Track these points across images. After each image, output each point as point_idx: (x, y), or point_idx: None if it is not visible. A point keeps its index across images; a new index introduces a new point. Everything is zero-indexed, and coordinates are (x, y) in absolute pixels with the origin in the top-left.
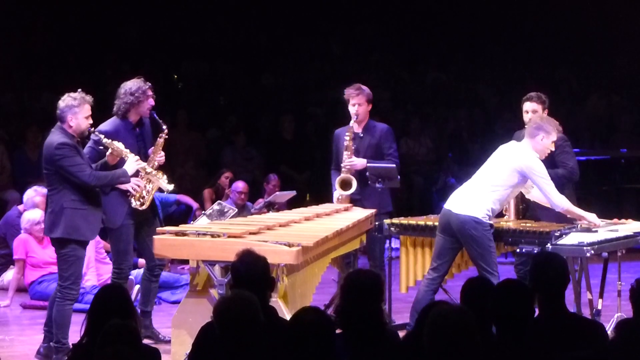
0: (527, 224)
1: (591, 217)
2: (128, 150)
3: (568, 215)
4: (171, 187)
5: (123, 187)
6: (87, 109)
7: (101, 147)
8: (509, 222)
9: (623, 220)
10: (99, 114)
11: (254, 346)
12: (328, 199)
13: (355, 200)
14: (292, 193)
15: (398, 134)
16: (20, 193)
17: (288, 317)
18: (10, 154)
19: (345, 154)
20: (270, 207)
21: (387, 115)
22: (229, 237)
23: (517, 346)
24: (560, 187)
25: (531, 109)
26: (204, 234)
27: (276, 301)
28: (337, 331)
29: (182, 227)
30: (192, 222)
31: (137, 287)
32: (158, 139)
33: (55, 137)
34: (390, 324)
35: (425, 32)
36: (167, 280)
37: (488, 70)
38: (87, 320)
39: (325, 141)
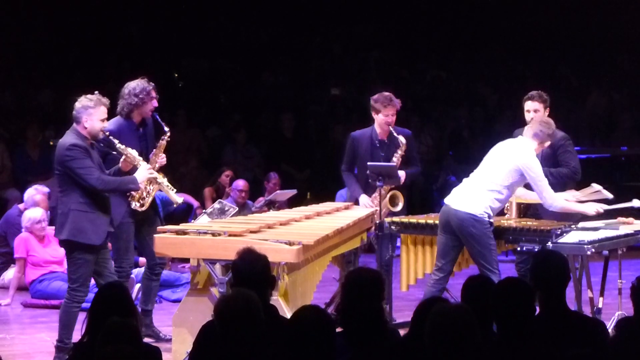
0: (528, 222)
1: (590, 208)
2: (141, 159)
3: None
4: (181, 200)
5: None
6: (102, 111)
7: (106, 148)
8: (510, 220)
9: (630, 219)
10: None
11: (254, 345)
12: (329, 197)
13: None
14: (293, 191)
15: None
16: (20, 192)
17: (289, 315)
18: (10, 153)
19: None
20: (271, 205)
21: None
22: (229, 235)
23: (518, 344)
24: (562, 186)
25: (532, 108)
26: (205, 233)
27: (277, 300)
28: (338, 330)
29: (182, 226)
30: (192, 220)
31: (138, 285)
32: (160, 141)
33: (67, 138)
34: (391, 322)
35: (425, 30)
36: (167, 278)
37: (488, 69)
38: (88, 319)
39: (326, 139)
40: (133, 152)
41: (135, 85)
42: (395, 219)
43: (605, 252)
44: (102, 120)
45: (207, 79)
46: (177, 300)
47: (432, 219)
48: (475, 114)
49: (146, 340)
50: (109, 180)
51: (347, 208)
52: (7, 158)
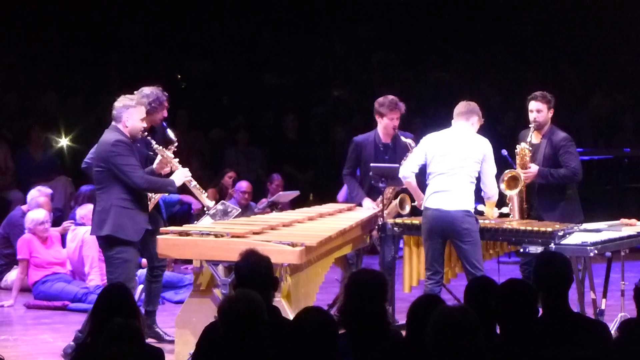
0: (531, 224)
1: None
2: (177, 160)
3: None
4: (212, 203)
5: None
6: (142, 111)
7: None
8: (513, 222)
9: (633, 221)
10: (102, 113)
11: (257, 346)
12: (331, 198)
13: None
14: (296, 193)
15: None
16: (23, 193)
17: (291, 316)
18: (13, 154)
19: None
20: (274, 206)
21: None
22: (232, 237)
23: (520, 346)
24: (562, 187)
25: (535, 108)
26: (208, 234)
27: (280, 301)
28: (340, 331)
29: (185, 227)
30: (195, 222)
31: (141, 286)
32: (167, 150)
33: (111, 135)
34: (393, 324)
35: (428, 31)
36: (170, 280)
37: (491, 70)
38: (90, 320)
39: (329, 141)
40: (170, 154)
41: (149, 92)
42: (398, 220)
43: (608, 254)
44: (142, 120)
45: (209, 80)
46: (180, 302)
47: None
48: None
49: (148, 341)
50: (152, 179)
51: (349, 209)
52: (10, 159)
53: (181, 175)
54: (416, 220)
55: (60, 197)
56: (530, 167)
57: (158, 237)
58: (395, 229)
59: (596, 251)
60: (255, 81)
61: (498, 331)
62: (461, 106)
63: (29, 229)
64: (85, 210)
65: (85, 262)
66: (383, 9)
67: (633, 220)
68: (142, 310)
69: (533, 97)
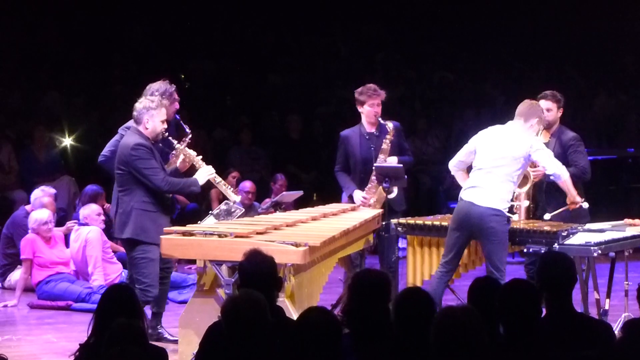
0: (535, 224)
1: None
2: (200, 158)
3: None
4: (238, 198)
5: None
6: (163, 113)
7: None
8: (517, 221)
9: (637, 221)
10: (106, 113)
11: (261, 346)
12: (335, 198)
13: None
14: (299, 193)
15: (405, 134)
16: (27, 193)
17: (295, 316)
18: (17, 154)
19: (381, 156)
20: (277, 207)
21: (394, 115)
22: (236, 237)
23: (524, 346)
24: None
25: (545, 107)
26: (211, 234)
27: (283, 301)
28: (344, 331)
29: (189, 227)
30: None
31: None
32: (180, 141)
33: (131, 138)
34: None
35: (432, 32)
36: (174, 280)
37: (495, 70)
38: (94, 320)
39: (333, 141)
40: (192, 152)
41: (157, 86)
42: (402, 220)
43: (612, 254)
44: (162, 122)
45: (213, 80)
46: (184, 302)
47: (438, 220)
48: (482, 115)
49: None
50: (174, 181)
51: (353, 209)
52: (13, 159)
53: (205, 173)
54: (420, 221)
55: (64, 197)
56: (539, 166)
57: (162, 237)
58: (399, 229)
59: (600, 251)
60: (258, 81)
61: (501, 331)
62: (524, 106)
63: (33, 229)
64: (88, 210)
65: (89, 262)
66: (387, 10)
67: (637, 220)
68: (150, 312)
69: (543, 96)
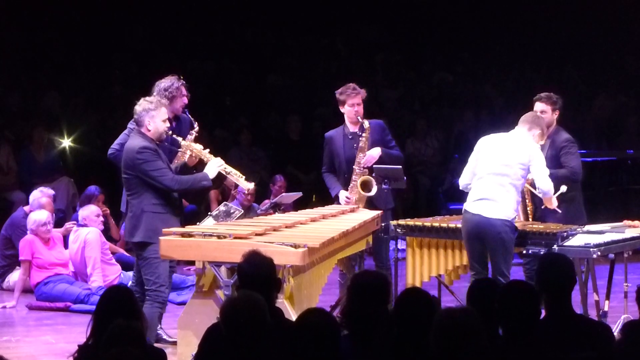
0: (534, 225)
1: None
2: (207, 151)
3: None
4: (251, 185)
5: None
6: (164, 112)
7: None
8: (516, 223)
9: (636, 222)
10: (106, 113)
11: (260, 347)
12: (334, 200)
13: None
14: (299, 194)
15: (404, 135)
16: (26, 194)
17: (294, 318)
18: (16, 155)
19: (360, 155)
20: (277, 208)
21: (393, 116)
22: (235, 238)
23: (523, 347)
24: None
25: (539, 109)
26: (210, 235)
27: (282, 302)
28: (343, 333)
29: (188, 228)
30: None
31: None
32: (188, 136)
33: (135, 141)
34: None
35: (432, 33)
36: (173, 281)
37: (494, 71)
38: (93, 321)
39: None
40: (199, 147)
41: (165, 82)
42: (401, 221)
43: (611, 256)
44: (164, 121)
45: (213, 80)
46: (183, 303)
47: (437, 221)
48: (482, 116)
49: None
50: (183, 179)
51: (352, 211)
52: (12, 160)
53: (214, 165)
54: (419, 222)
55: (63, 198)
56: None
57: (161, 238)
58: (399, 230)
59: (599, 253)
60: (258, 82)
61: (501, 333)
62: (529, 115)
63: (32, 230)
64: (87, 212)
65: (88, 263)
66: (386, 10)
67: (636, 222)
68: None
69: (538, 97)
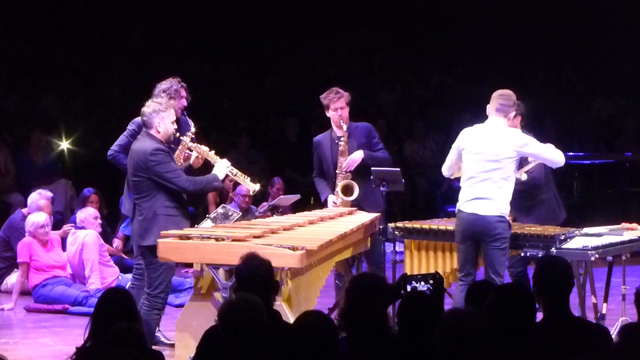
0: (532, 228)
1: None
2: (213, 152)
3: None
4: (257, 187)
5: None
6: (173, 114)
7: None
8: (514, 226)
9: (634, 225)
10: (104, 115)
11: (258, 349)
12: None
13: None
14: (297, 196)
15: (403, 137)
16: (24, 196)
17: (292, 320)
18: (14, 157)
19: (341, 159)
20: (275, 210)
21: (392, 118)
22: (233, 240)
23: (520, 350)
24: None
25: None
26: (208, 238)
27: (280, 305)
28: (341, 335)
29: (186, 231)
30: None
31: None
32: (183, 137)
33: (146, 143)
34: (393, 327)
35: (430, 35)
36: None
37: (493, 73)
38: (91, 324)
39: None
40: (205, 148)
41: (165, 84)
42: (399, 224)
43: (609, 258)
44: (173, 122)
45: (211, 83)
46: (181, 305)
47: (435, 224)
48: (480, 118)
49: None
50: (197, 180)
51: (350, 213)
52: (10, 162)
53: (222, 167)
54: (417, 224)
55: (61, 200)
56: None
57: (158, 240)
58: (397, 232)
59: (597, 255)
60: (256, 84)
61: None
62: (496, 102)
63: (30, 232)
64: (85, 214)
65: (86, 265)
66: (384, 13)
67: (634, 225)
68: None
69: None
